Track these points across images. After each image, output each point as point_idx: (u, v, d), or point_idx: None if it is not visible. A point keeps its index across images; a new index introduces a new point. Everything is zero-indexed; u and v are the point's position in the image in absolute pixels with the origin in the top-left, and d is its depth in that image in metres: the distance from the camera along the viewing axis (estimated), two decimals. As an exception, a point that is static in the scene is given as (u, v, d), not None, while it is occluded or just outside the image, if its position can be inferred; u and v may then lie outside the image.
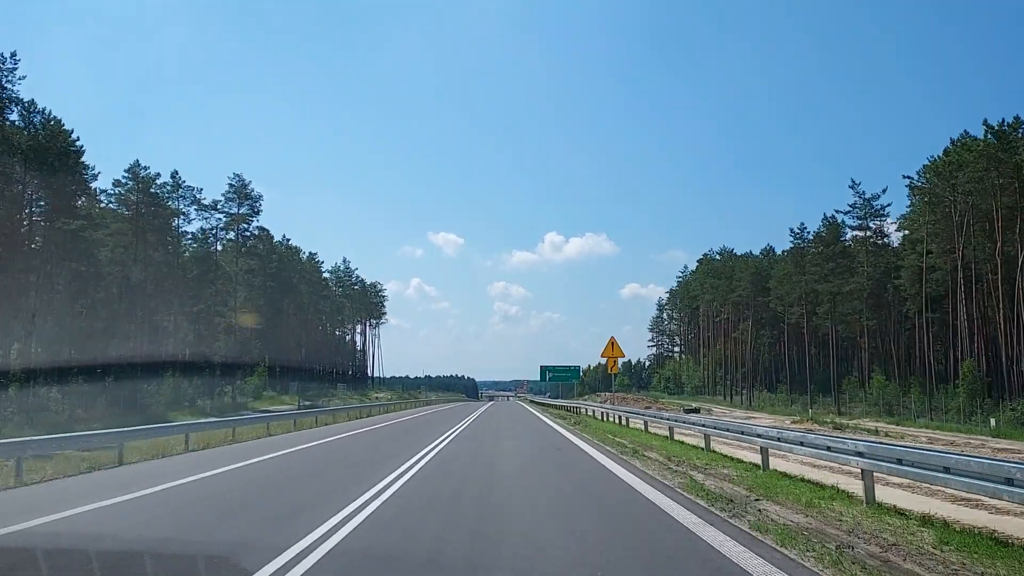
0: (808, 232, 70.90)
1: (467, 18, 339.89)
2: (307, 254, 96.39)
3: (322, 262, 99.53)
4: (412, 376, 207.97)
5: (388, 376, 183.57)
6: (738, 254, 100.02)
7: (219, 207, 62.99)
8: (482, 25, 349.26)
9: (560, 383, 73.93)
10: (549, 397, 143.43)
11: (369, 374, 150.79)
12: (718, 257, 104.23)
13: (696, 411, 63.58)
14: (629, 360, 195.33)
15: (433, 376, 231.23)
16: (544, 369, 61.59)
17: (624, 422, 29.72)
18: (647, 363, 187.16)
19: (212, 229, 62.62)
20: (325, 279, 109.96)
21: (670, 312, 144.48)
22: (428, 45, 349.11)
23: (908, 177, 57.92)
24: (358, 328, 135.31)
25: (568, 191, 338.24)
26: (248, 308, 76.19)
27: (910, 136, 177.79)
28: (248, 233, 65.71)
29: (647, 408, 69.48)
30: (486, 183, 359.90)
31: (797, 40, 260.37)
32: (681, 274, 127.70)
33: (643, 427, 25.75)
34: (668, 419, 23.87)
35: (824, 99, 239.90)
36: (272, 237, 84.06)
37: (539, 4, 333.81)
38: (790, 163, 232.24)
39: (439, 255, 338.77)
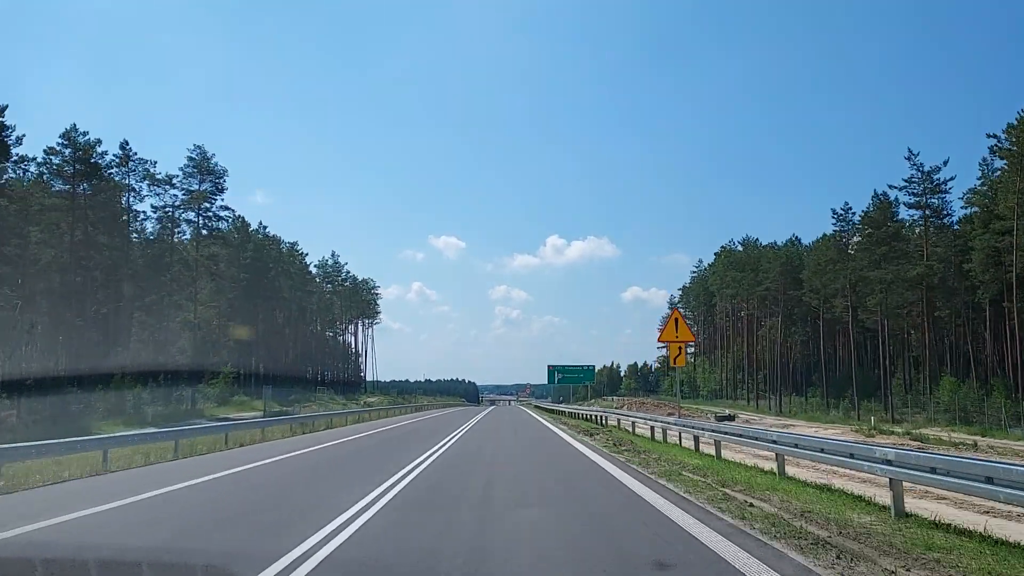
0: (853, 213, 62.26)
1: (468, 23, 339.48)
2: (287, 244, 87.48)
3: (306, 254, 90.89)
4: (412, 380, 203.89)
5: (388, 380, 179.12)
6: (763, 243, 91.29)
7: (176, 183, 54.34)
8: (483, 30, 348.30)
9: (571, 385, 64.76)
10: (551, 401, 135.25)
11: (365, 377, 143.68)
12: (740, 248, 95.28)
13: (730, 418, 54.93)
14: (635, 363, 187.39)
15: (433, 380, 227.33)
16: (552, 370, 52.75)
17: (662, 436, 22.78)
18: (653, 366, 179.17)
19: (167, 208, 53.84)
20: (311, 274, 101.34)
21: (682, 311, 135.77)
22: (429, 49, 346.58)
23: (993, 136, 49.12)
24: (351, 329, 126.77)
25: (570, 194, 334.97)
26: (216, 303, 67.57)
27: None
28: (211, 214, 56.92)
29: (670, 415, 60.93)
30: (488, 186, 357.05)
31: (800, 41, 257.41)
32: (696, 268, 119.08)
33: (689, 443, 19.18)
34: (731, 434, 15.68)
35: (826, 99, 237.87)
36: (247, 225, 75.54)
37: (539, 11, 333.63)
38: (792, 165, 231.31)
39: (440, 259, 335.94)
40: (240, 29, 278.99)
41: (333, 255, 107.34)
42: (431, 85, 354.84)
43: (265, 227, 76.71)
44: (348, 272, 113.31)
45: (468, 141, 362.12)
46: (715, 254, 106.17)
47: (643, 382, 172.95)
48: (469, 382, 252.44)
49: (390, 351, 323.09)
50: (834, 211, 63.02)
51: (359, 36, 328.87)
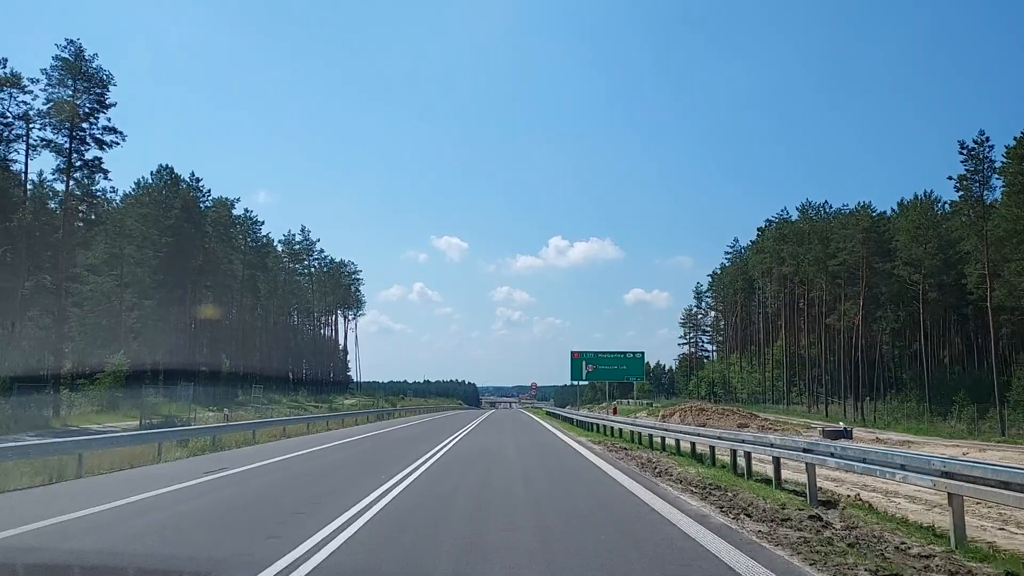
0: (987, 146, 44.78)
1: (473, 21, 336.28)
2: (237, 205, 69.63)
3: (262, 222, 73.32)
4: (410, 381, 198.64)
5: (386, 381, 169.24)
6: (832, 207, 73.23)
7: (32, 88, 36.98)
8: (487, 29, 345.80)
9: (606, 382, 47.03)
10: (558, 406, 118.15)
11: (353, 377, 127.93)
12: (797, 215, 77.28)
13: (847, 435, 37.40)
14: (648, 363, 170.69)
15: (432, 381, 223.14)
16: (579, 360, 35.14)
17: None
18: (667, 366, 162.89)
19: (10, 119, 36.32)
20: (275, 250, 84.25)
21: (710, 302, 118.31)
22: (433, 50, 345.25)
23: None
24: (330, 321, 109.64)
25: (573, 195, 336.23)
26: (115, 271, 50.49)
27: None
28: (91, 137, 39.43)
29: (742, 426, 43.80)
30: (491, 187, 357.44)
31: (802, 42, 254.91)
32: (730, 248, 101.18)
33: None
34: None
35: (829, 101, 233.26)
36: (176, 176, 58.26)
37: (545, 9, 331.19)
38: (794, 168, 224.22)
39: (443, 259, 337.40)
40: (240, 29, 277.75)
41: (303, 230, 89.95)
42: (434, 85, 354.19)
43: (199, 180, 59.37)
44: (322, 252, 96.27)
45: (471, 141, 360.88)
46: (759, 230, 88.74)
47: (655, 383, 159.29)
48: (469, 383, 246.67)
49: (391, 352, 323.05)
50: (961, 143, 45.32)
51: (361, 36, 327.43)
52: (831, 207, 72.55)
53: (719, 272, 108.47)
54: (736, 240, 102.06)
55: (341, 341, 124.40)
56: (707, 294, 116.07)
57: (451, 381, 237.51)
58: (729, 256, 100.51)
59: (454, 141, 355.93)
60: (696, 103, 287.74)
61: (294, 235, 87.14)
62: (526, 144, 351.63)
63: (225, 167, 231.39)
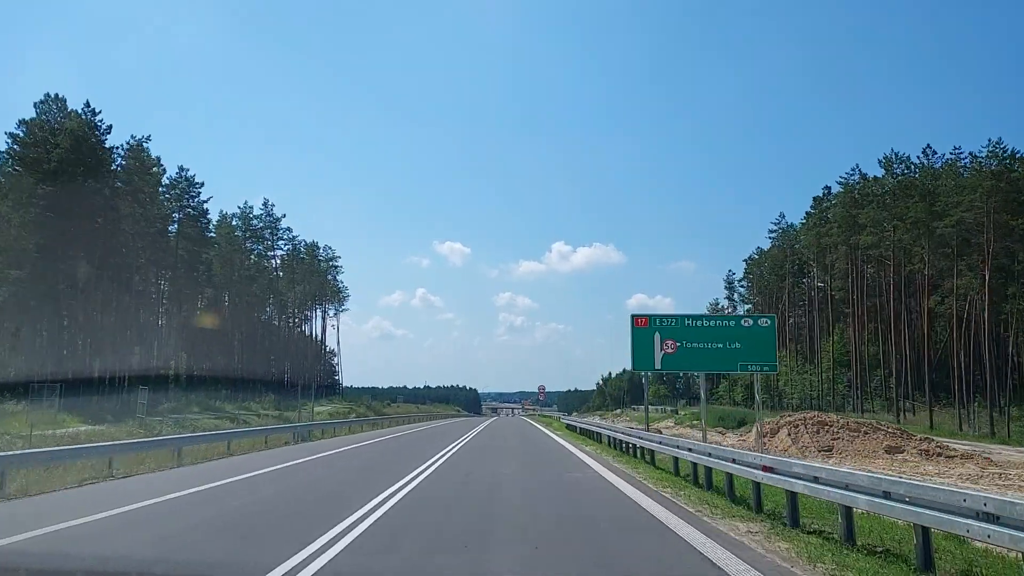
0: None
1: (474, 26, 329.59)
2: (148, 150, 53.52)
3: (201, 183, 57.52)
4: (410, 387, 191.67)
5: (387, 386, 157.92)
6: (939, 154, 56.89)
7: None
8: (489, 34, 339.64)
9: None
10: (563, 412, 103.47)
11: (339, 380, 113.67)
12: (881, 174, 61.08)
13: None
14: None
15: (433, 387, 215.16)
16: (649, 332, 19.12)
17: None
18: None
19: None
20: (228, 225, 68.97)
21: (742, 291, 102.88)
22: (437, 55, 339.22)
23: None
24: (311, 316, 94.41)
25: (576, 200, 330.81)
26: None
27: None
28: None
29: (892, 450, 27.99)
30: (494, 192, 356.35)
31: (803, 48, 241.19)
32: (775, 226, 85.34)
33: None
34: None
35: (829, 105, 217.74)
36: (60, 100, 43.07)
37: (545, 13, 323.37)
38: (797, 172, 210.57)
39: (445, 265, 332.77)
40: (245, 37, 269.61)
41: (266, 203, 74.26)
42: (437, 90, 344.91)
43: (96, 112, 43.98)
44: (290, 231, 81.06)
45: (474, 146, 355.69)
46: (816, 198, 72.76)
47: (671, 387, 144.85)
48: (470, 389, 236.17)
49: (393, 358, 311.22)
50: None
51: (363, 43, 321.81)
52: (938, 155, 56.21)
53: (756, 257, 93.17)
54: (781, 216, 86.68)
55: (330, 342, 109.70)
56: (742, 283, 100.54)
57: (452, 387, 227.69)
58: (774, 235, 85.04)
59: (457, 146, 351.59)
60: (698, 107, 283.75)
61: (250, 207, 71.39)
62: (529, 149, 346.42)
63: (226, 172, 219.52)
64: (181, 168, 57.24)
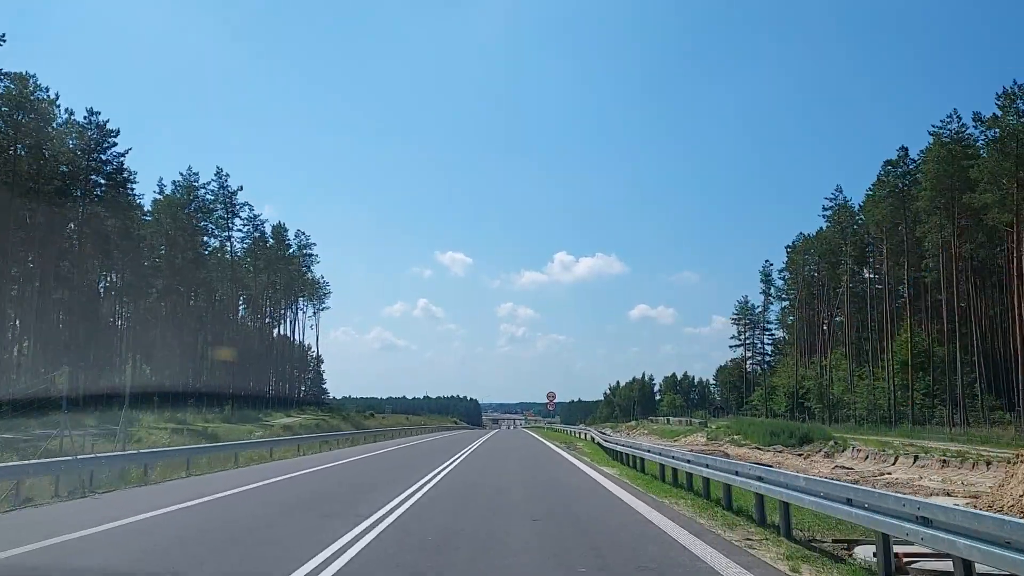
0: None
1: (477, 36, 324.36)
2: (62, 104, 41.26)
3: (116, 131, 44.57)
4: (410, 397, 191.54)
5: (398, 397, 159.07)
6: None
7: None
8: (492, 44, 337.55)
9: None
10: (567, 424, 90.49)
11: (324, 388, 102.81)
12: (973, 128, 47.27)
13: None
14: (673, 373, 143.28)
15: (433, 397, 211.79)
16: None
17: None
18: (696, 378, 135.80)
19: None
20: (176, 198, 56.05)
21: (781, 283, 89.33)
22: (438, 63, 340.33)
23: None
24: (284, 314, 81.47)
25: (579, 210, 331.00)
26: None
27: None
28: None
29: None
30: (496, 202, 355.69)
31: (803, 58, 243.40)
32: (831, 201, 71.14)
33: None
34: None
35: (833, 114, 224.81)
36: None
37: (548, 23, 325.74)
38: (798, 179, 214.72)
39: (447, 275, 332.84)
40: (246, 45, 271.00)
41: (219, 173, 60.48)
42: (439, 100, 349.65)
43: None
44: (251, 209, 68.19)
45: (476, 157, 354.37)
46: (888, 162, 59.20)
47: (685, 396, 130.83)
48: (471, 400, 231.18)
49: (395, 368, 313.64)
50: None
51: (365, 56, 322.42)
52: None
53: (799, 244, 79.55)
54: (838, 190, 72.80)
55: (312, 345, 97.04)
56: (782, 274, 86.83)
57: (452, 397, 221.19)
58: (827, 214, 71.43)
59: (459, 157, 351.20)
60: (700, 117, 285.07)
61: (195, 175, 57.91)
62: (530, 160, 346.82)
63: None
64: (90, 111, 44.42)
